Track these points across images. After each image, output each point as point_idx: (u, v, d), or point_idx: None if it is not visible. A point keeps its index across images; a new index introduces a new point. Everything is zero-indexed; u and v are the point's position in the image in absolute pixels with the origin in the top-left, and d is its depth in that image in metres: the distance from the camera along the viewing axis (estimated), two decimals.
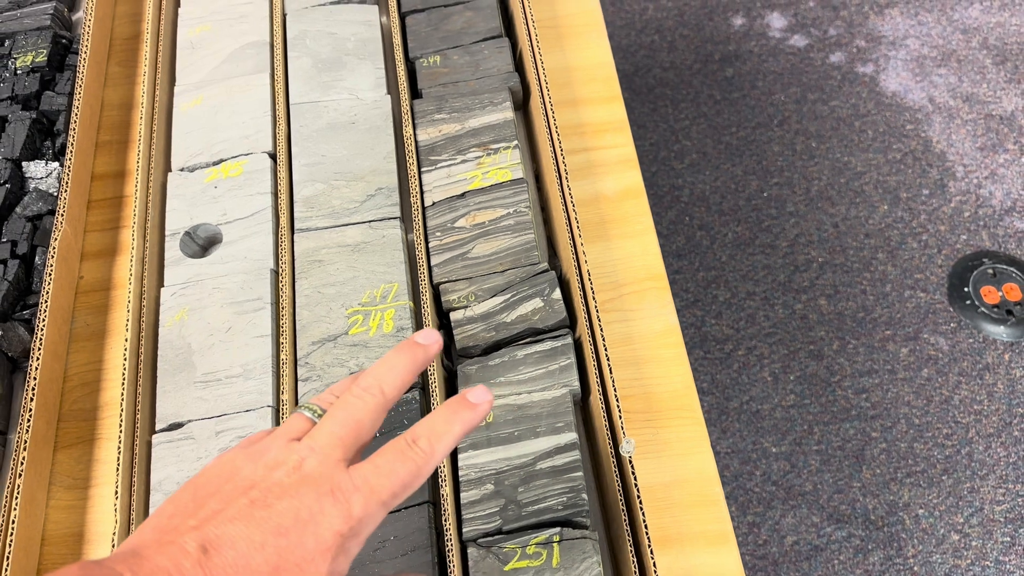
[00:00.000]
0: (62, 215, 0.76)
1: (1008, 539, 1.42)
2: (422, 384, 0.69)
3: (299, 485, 0.38)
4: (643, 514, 0.60)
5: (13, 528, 0.64)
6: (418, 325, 0.72)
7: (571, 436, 0.65)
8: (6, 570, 0.62)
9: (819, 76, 1.95)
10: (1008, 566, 1.40)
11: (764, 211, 1.78)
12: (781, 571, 1.42)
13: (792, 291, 1.68)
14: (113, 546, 0.62)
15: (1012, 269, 1.68)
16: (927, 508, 1.46)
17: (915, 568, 1.41)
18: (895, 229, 1.74)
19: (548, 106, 0.77)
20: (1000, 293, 1.65)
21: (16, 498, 0.65)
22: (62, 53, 0.89)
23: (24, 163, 0.81)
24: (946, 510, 1.45)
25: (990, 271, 1.68)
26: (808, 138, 1.86)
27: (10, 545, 0.63)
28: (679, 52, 2.01)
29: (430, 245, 0.74)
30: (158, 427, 0.68)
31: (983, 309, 1.63)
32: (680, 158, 1.85)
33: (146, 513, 0.65)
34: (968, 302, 1.64)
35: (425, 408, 0.68)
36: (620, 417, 0.63)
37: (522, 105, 0.87)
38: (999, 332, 1.61)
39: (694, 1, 2.07)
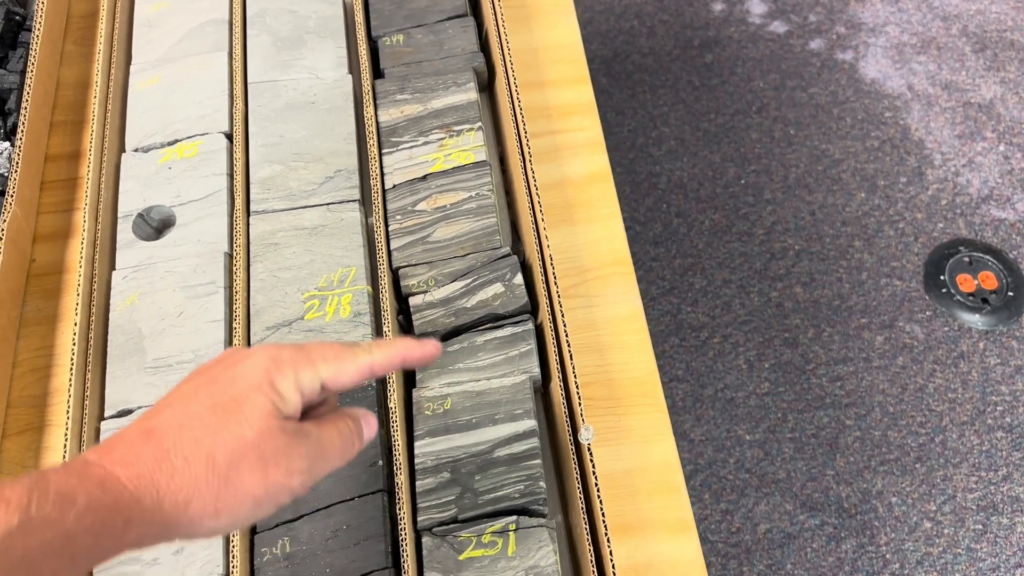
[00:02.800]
0: (12, 196, 0.74)
1: (980, 527, 1.43)
2: None
3: (238, 354, 0.42)
4: (600, 503, 0.59)
5: None
6: (376, 310, 0.70)
7: (530, 423, 0.64)
8: None
9: (798, 63, 1.94)
10: (980, 553, 1.41)
11: (741, 198, 1.77)
12: (754, 559, 1.41)
13: (768, 279, 1.67)
14: None
15: (988, 257, 1.68)
16: (900, 496, 1.46)
17: (887, 556, 1.41)
18: (872, 217, 1.73)
19: (513, 87, 0.75)
20: (976, 281, 1.65)
21: None
22: (15, 30, 0.86)
23: None
24: (919, 498, 1.46)
25: (966, 259, 1.67)
26: (786, 125, 1.85)
27: None
28: (658, 38, 1.99)
29: (390, 228, 0.73)
30: (107, 414, 0.66)
31: (959, 297, 1.63)
32: (658, 145, 1.84)
33: None
34: (944, 290, 1.64)
35: (381, 397, 0.66)
36: (580, 404, 0.62)
37: (487, 86, 0.85)
38: (974, 320, 1.61)
39: None
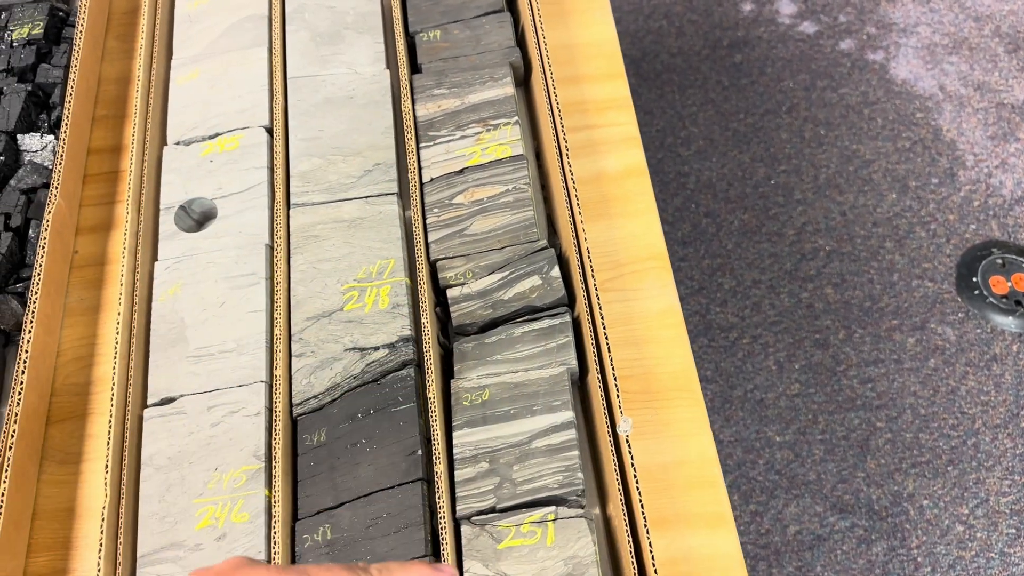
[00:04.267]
0: (56, 188, 0.75)
1: (1013, 531, 1.41)
2: (417, 361, 0.68)
3: (235, 571, 0.36)
4: (639, 494, 0.59)
5: (3, 502, 0.63)
6: (414, 302, 0.71)
7: (568, 415, 0.64)
8: None
9: (829, 63, 1.93)
10: (1013, 558, 1.39)
11: (771, 199, 1.76)
12: (783, 560, 1.40)
13: (798, 279, 1.66)
14: (103, 521, 0.61)
15: (1022, 259, 1.66)
16: (932, 499, 1.44)
17: (919, 559, 1.40)
18: (903, 218, 1.72)
19: (550, 81, 0.76)
20: (1009, 283, 1.63)
21: (6, 471, 0.64)
22: (59, 26, 0.88)
23: (19, 136, 0.80)
24: (951, 501, 1.44)
25: (999, 261, 1.65)
26: (817, 125, 1.84)
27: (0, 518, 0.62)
28: (687, 38, 1.99)
29: (427, 221, 0.73)
30: (150, 401, 0.67)
31: (991, 299, 1.61)
32: (687, 145, 1.84)
33: (136, 488, 0.65)
34: (976, 292, 1.62)
35: (420, 386, 0.67)
36: (618, 396, 0.62)
37: (523, 81, 0.85)
38: (1007, 323, 1.59)
39: None
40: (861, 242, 1.69)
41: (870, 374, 1.56)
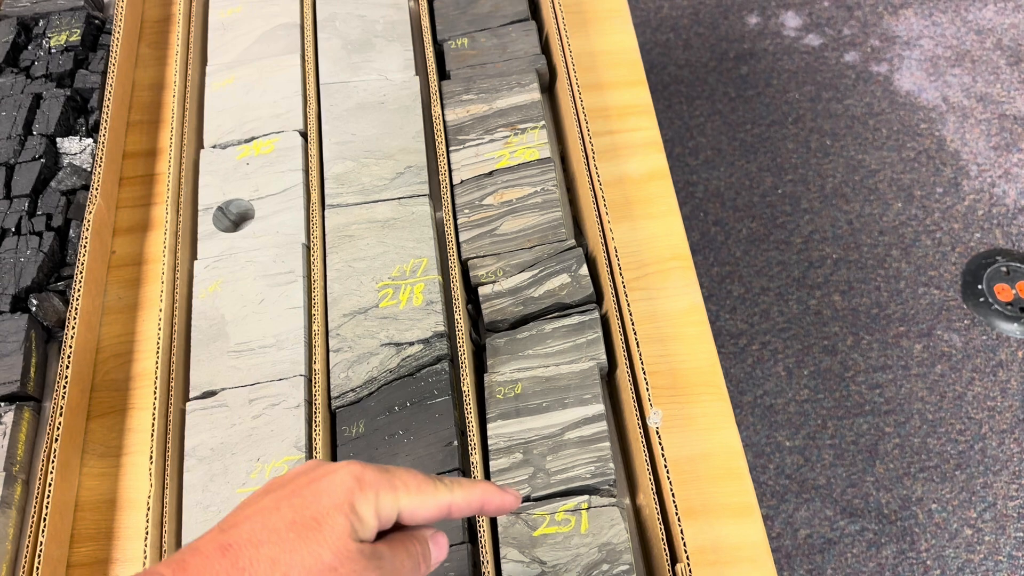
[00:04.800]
0: (96, 189, 0.77)
1: (1021, 534, 1.42)
2: (451, 356, 0.70)
3: (322, 467, 0.41)
4: (671, 484, 0.61)
5: (50, 492, 0.65)
6: (447, 299, 0.73)
7: (599, 407, 0.66)
8: (43, 532, 0.63)
9: (833, 75, 1.96)
10: (1021, 561, 1.40)
11: (779, 208, 1.78)
12: (794, 564, 1.42)
13: (806, 287, 1.68)
14: (148, 510, 0.63)
15: None
16: (940, 503, 1.46)
17: (928, 562, 1.41)
18: (909, 226, 1.74)
19: (575, 87, 0.78)
20: (1014, 291, 1.65)
21: (53, 463, 0.66)
22: (95, 33, 0.90)
23: (58, 139, 0.82)
24: (959, 505, 1.46)
25: (1003, 269, 1.68)
26: (823, 136, 1.87)
27: (47, 508, 0.64)
28: (694, 50, 2.02)
29: (458, 222, 0.75)
30: (192, 395, 0.69)
31: (997, 306, 1.64)
32: (695, 154, 1.86)
33: (180, 478, 0.66)
34: (982, 299, 1.65)
35: (454, 380, 0.69)
36: (648, 390, 0.64)
37: (548, 88, 0.88)
38: (1012, 329, 1.62)
39: None
40: (868, 250, 1.72)
41: (878, 380, 1.58)
